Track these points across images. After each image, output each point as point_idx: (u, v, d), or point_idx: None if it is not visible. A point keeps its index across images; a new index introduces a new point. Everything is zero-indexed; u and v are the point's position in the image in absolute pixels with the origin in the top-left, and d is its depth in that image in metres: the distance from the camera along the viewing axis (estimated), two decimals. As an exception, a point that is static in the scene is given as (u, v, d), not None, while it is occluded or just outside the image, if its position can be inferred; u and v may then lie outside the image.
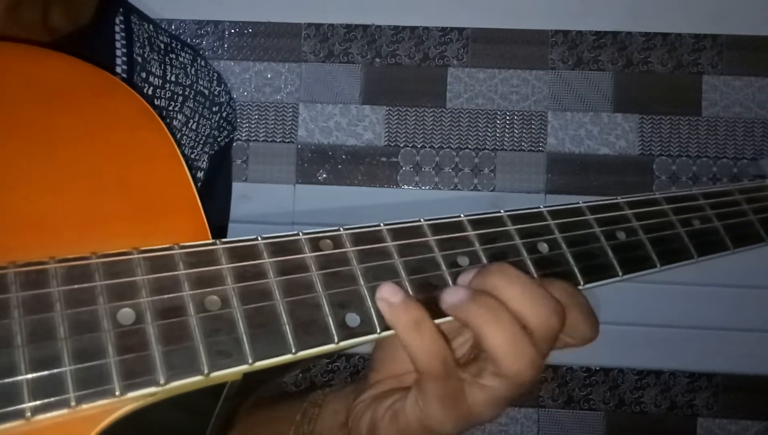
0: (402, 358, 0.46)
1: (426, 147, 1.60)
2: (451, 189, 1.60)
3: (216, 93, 0.65)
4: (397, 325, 0.40)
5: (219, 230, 0.63)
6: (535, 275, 0.44)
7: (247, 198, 1.57)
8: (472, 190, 1.59)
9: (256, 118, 1.62)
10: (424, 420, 0.41)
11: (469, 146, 1.60)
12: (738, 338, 1.55)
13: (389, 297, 0.40)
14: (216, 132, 0.65)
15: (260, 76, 1.62)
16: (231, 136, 0.68)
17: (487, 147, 1.60)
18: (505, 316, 0.39)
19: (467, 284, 0.41)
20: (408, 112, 1.60)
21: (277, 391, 0.58)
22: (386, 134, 1.60)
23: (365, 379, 0.48)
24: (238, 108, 1.61)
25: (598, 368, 1.59)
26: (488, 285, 0.40)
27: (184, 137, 0.61)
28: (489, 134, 1.60)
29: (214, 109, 0.65)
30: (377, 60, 1.60)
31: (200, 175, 0.62)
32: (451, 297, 0.40)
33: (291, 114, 1.61)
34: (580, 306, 0.42)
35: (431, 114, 1.60)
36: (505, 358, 0.39)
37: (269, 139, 1.61)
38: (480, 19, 1.60)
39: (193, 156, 0.62)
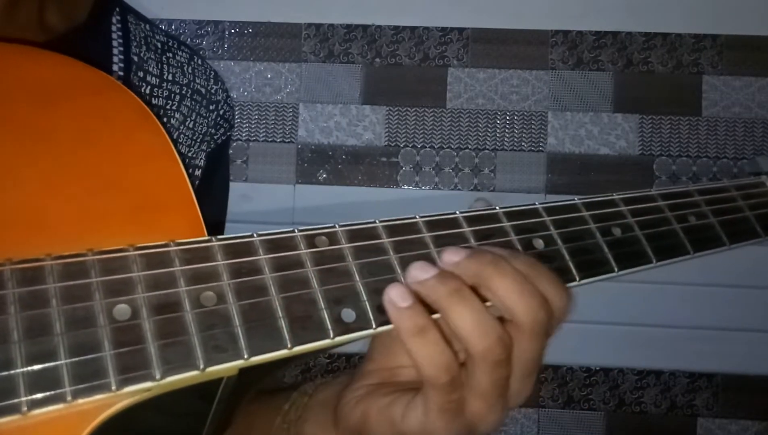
0: (398, 351, 0.45)
1: (426, 147, 1.60)
2: (451, 189, 1.60)
3: (213, 91, 0.66)
4: (402, 330, 0.39)
5: (215, 226, 0.64)
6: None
7: (247, 198, 1.58)
8: (472, 190, 1.60)
9: (256, 118, 1.62)
10: (424, 432, 0.40)
11: (469, 146, 1.60)
12: (738, 338, 1.55)
13: (396, 300, 0.39)
14: (213, 130, 0.65)
15: (260, 76, 1.62)
16: (228, 133, 0.68)
17: (487, 147, 1.60)
18: (470, 295, 0.39)
19: (455, 263, 0.40)
20: (408, 112, 1.61)
21: (275, 386, 0.58)
22: (386, 134, 1.60)
23: (359, 370, 0.48)
24: (238, 108, 1.61)
25: (598, 368, 1.59)
26: (477, 274, 0.40)
27: (181, 136, 0.61)
28: (489, 134, 1.60)
29: (210, 107, 0.65)
30: (377, 60, 1.61)
31: (198, 173, 0.63)
32: (418, 273, 0.40)
33: (291, 114, 1.62)
34: (545, 275, 0.41)
35: (431, 114, 1.61)
36: (471, 336, 0.38)
37: (269, 139, 1.62)
38: (480, 19, 1.60)
39: (190, 154, 0.62)
